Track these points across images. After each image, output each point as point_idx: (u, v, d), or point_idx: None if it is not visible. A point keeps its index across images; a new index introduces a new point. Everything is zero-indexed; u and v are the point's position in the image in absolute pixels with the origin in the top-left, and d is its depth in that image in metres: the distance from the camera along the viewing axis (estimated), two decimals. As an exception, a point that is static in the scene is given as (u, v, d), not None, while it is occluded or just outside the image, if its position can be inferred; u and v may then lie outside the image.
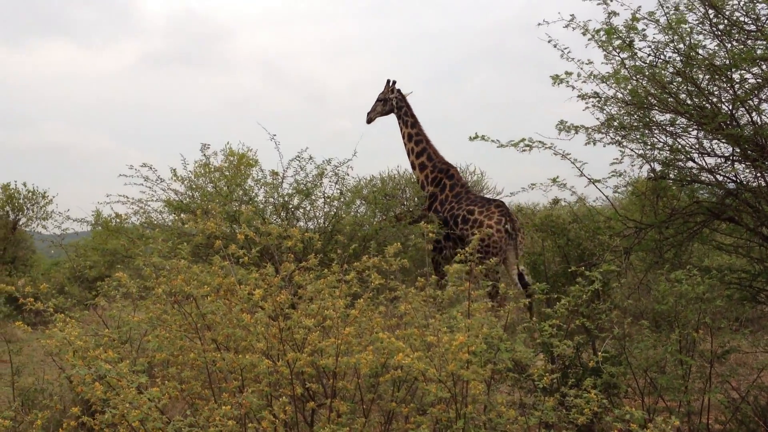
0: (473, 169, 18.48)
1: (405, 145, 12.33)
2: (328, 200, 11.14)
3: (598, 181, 7.27)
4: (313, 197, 11.02)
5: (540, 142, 7.09)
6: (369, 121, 12.54)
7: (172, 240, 8.18)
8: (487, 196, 18.52)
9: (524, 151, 7.10)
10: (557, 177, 7.23)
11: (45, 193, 19.91)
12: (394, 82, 12.48)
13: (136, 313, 6.51)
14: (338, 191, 11.38)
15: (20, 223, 20.14)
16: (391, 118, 12.68)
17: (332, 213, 11.00)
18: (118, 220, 12.82)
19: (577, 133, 7.47)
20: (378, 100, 12.46)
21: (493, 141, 7.18)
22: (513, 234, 10.08)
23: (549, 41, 7.30)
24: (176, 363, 5.33)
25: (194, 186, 12.40)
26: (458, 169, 12.61)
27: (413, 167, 12.33)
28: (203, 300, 5.24)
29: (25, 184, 19.64)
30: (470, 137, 7.23)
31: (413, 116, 12.30)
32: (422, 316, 5.12)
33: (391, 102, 12.37)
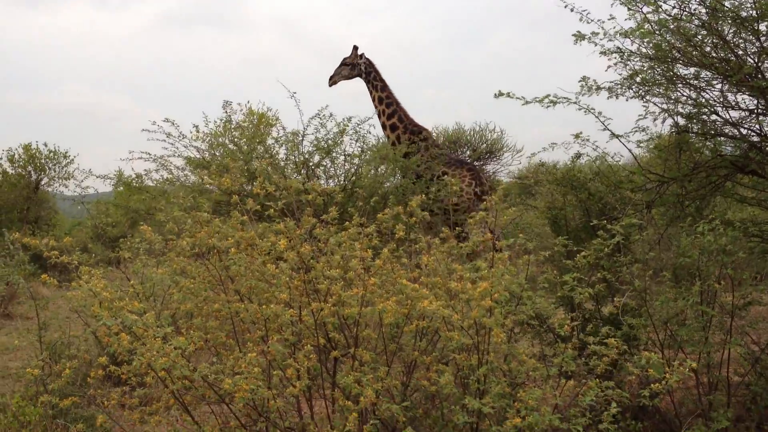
0: (493, 128, 18.38)
1: (376, 107, 12.53)
2: (349, 158, 11.17)
3: (621, 136, 7.23)
4: (333, 155, 11.04)
5: (564, 97, 7.05)
6: (332, 83, 12.72)
7: (193, 195, 8.25)
8: (507, 155, 18.48)
9: (548, 107, 7.07)
10: (580, 132, 7.20)
11: (66, 152, 20.02)
12: (356, 48, 12.68)
13: (159, 268, 6.60)
14: (359, 149, 11.40)
15: (42, 183, 20.29)
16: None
17: (352, 171, 11.04)
18: (138, 180, 12.94)
19: (599, 90, 7.41)
20: (344, 65, 12.66)
21: (518, 98, 7.16)
22: (482, 196, 10.43)
23: (566, 6, 7.21)
24: (200, 314, 5.41)
25: (215, 143, 12.48)
26: (431, 132, 13.06)
27: (384, 128, 12.49)
28: (225, 253, 5.30)
29: (46, 144, 19.75)
30: (495, 94, 7.21)
31: (382, 80, 12.57)
32: (444, 267, 5.15)
33: (359, 67, 12.60)
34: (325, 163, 11.14)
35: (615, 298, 6.36)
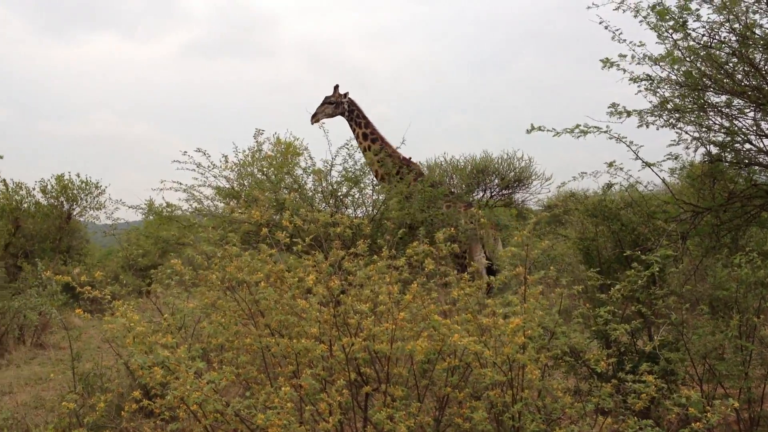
0: (521, 155, 18.24)
1: (360, 143, 12.66)
2: (377, 188, 11.16)
3: (653, 164, 7.16)
4: (361, 185, 11.05)
5: (595, 127, 7.01)
6: (315, 121, 12.83)
7: (222, 227, 8.29)
8: (535, 183, 18.33)
9: (579, 137, 7.04)
10: (614, 161, 7.15)
11: (98, 183, 20.24)
12: (337, 87, 12.96)
13: (189, 300, 6.61)
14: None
15: (74, 213, 20.50)
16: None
17: (380, 200, 11.03)
18: (169, 210, 13.04)
19: (629, 116, 7.37)
20: (328, 103, 12.88)
21: (549, 131, 7.15)
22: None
23: (600, 23, 7.20)
24: (231, 348, 5.40)
25: (244, 173, 12.55)
26: (419, 164, 13.21)
27: (371, 164, 12.51)
28: (255, 286, 5.30)
29: (78, 175, 19.98)
30: (527, 130, 7.22)
31: (365, 118, 12.82)
32: (475, 301, 5.10)
33: (343, 105, 12.86)
34: (353, 193, 11.14)
35: (652, 331, 6.26)
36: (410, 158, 12.67)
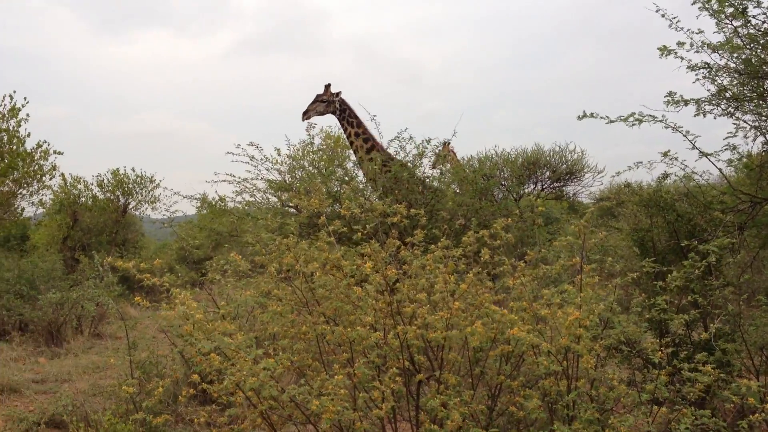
0: (573, 148, 18.06)
1: (352, 143, 12.82)
2: (429, 180, 11.18)
3: (710, 154, 7.02)
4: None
5: (650, 116, 6.90)
6: (306, 118, 13.00)
7: (278, 217, 8.41)
8: (588, 175, 18.15)
9: (633, 125, 6.93)
10: (668, 151, 7.03)
11: (152, 177, 20.65)
12: (329, 86, 13.04)
13: (245, 290, 6.71)
14: (438, 171, 11.40)
15: (130, 207, 20.95)
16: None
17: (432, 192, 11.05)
18: (222, 203, 13.25)
19: (686, 105, 7.24)
20: (320, 101, 12.97)
21: (602, 118, 7.05)
22: None
23: (657, 11, 7.09)
24: (286, 336, 5.48)
25: (296, 166, 12.70)
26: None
27: (362, 161, 12.64)
28: (311, 275, 5.37)
29: (133, 169, 20.41)
30: (579, 116, 7.12)
31: (357, 117, 12.91)
32: (530, 290, 5.09)
33: (335, 104, 12.94)
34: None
35: (708, 322, 6.17)
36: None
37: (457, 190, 11.29)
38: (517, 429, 5.10)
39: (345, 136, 13.07)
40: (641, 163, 7.35)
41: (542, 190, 17.99)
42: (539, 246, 7.20)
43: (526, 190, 17.40)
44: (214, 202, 13.56)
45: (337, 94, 13.02)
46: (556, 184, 18.12)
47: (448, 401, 4.40)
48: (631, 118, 6.92)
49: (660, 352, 4.70)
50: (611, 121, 7.02)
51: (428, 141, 11.15)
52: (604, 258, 5.31)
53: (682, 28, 7.04)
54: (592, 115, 7.05)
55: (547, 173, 17.81)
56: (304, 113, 12.91)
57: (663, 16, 7.07)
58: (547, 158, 17.70)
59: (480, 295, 5.09)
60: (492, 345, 4.88)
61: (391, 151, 11.79)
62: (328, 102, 12.96)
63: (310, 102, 12.96)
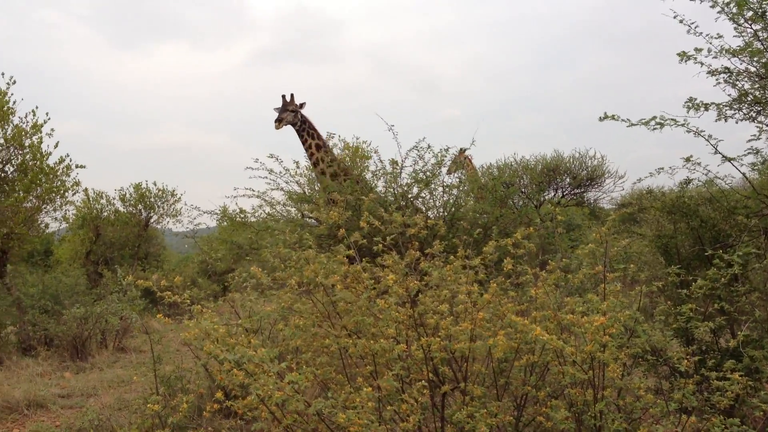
0: (593, 154, 17.95)
1: (312, 154, 12.76)
2: (447, 189, 11.16)
3: (733, 158, 6.96)
4: (432, 186, 11.05)
5: (672, 119, 6.85)
6: (280, 127, 12.91)
7: (297, 231, 8.43)
8: (608, 181, 18.05)
9: (654, 129, 6.88)
10: (690, 156, 6.97)
11: (174, 191, 20.78)
12: (286, 96, 12.98)
13: (266, 304, 6.73)
14: (457, 179, 11.38)
15: (151, 220, 21.08)
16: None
17: (451, 201, 11.02)
18: (242, 216, 13.31)
19: (707, 110, 7.18)
20: (289, 111, 12.88)
21: (622, 120, 7.00)
22: None
23: (675, 17, 7.05)
24: (309, 349, 5.48)
25: (315, 178, 12.74)
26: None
27: (323, 174, 12.63)
28: (332, 288, 5.37)
29: (155, 183, 20.55)
30: (600, 118, 7.07)
31: (315, 129, 12.91)
32: (554, 299, 5.07)
33: (297, 115, 12.89)
34: (423, 195, 11.17)
35: (735, 328, 6.10)
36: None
37: (472, 200, 11.27)
38: (544, 440, 5.07)
39: (304, 149, 12.99)
40: (662, 169, 7.30)
41: (563, 196, 17.90)
42: (561, 254, 7.17)
43: (546, 197, 17.32)
44: (234, 215, 13.62)
45: (302, 105, 13.02)
46: (576, 191, 18.02)
47: (475, 413, 4.38)
48: (653, 122, 6.86)
49: (687, 361, 4.66)
50: (632, 124, 6.97)
51: (446, 150, 11.13)
52: (627, 266, 5.27)
53: (700, 33, 6.99)
54: (613, 117, 6.99)
55: (567, 180, 17.72)
56: (278, 120, 12.85)
57: (681, 21, 7.03)
58: (567, 164, 17.60)
59: (503, 305, 5.08)
60: (516, 355, 4.86)
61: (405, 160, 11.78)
62: (295, 112, 12.95)
63: (280, 110, 12.93)
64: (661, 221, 8.18)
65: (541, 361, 4.88)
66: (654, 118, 6.87)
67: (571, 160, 17.67)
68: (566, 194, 17.99)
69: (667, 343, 5.12)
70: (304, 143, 12.95)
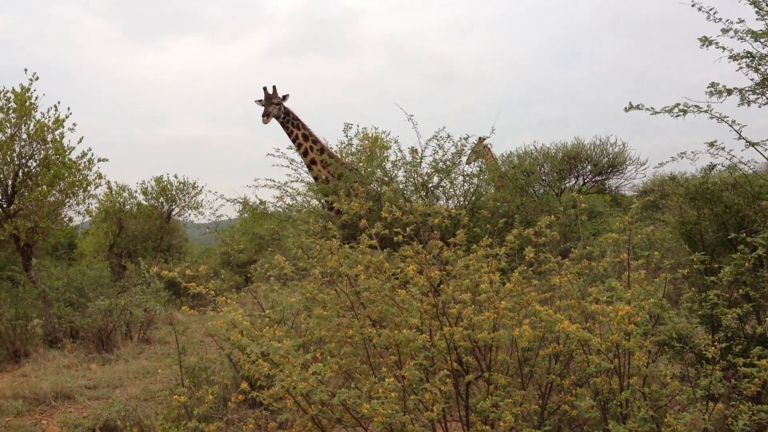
0: (614, 141, 17.83)
1: (300, 144, 12.86)
2: (468, 178, 11.13)
3: (757, 143, 6.90)
4: (452, 175, 11.03)
5: (695, 105, 6.79)
6: (267, 121, 13.00)
7: (319, 221, 8.45)
8: (630, 168, 17.92)
9: (678, 116, 6.83)
10: (714, 141, 6.92)
11: (194, 183, 20.91)
12: (268, 88, 13.04)
13: (289, 294, 6.75)
14: (477, 168, 11.35)
15: (173, 213, 21.24)
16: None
17: (471, 190, 11.00)
18: (262, 206, 13.37)
19: (729, 94, 7.11)
20: (274, 103, 12.97)
21: (647, 109, 6.95)
22: None
23: (693, 5, 7.01)
24: (332, 339, 5.50)
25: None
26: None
27: (314, 163, 12.73)
28: (355, 278, 5.38)
29: (176, 176, 20.68)
30: (625, 108, 7.02)
31: (300, 120, 13.03)
32: (577, 288, 5.05)
33: (280, 107, 12.96)
34: (444, 184, 11.15)
35: (761, 314, 6.06)
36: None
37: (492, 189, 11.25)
38: (569, 428, 5.07)
39: (290, 140, 13.10)
40: (685, 153, 7.26)
41: (584, 184, 17.80)
42: (583, 242, 7.14)
43: (567, 185, 17.23)
44: (254, 206, 13.68)
45: (284, 97, 13.09)
46: (597, 178, 17.92)
47: (500, 402, 4.38)
48: (676, 109, 6.81)
49: (713, 347, 4.63)
50: (656, 112, 6.92)
51: (466, 138, 11.10)
52: (651, 253, 5.24)
53: (720, 19, 6.93)
54: (638, 107, 6.95)
55: (589, 167, 17.62)
56: (266, 115, 12.94)
57: (699, 9, 6.98)
58: (588, 152, 17.50)
59: (526, 294, 5.06)
60: (540, 344, 4.85)
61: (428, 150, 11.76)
62: (279, 105, 13.04)
63: (264, 103, 13.00)
64: (684, 208, 8.11)
65: (565, 349, 4.87)
66: (677, 105, 6.82)
67: (592, 148, 17.57)
68: (587, 182, 17.89)
69: (693, 330, 5.08)
70: (290, 135, 13.07)
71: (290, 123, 13.01)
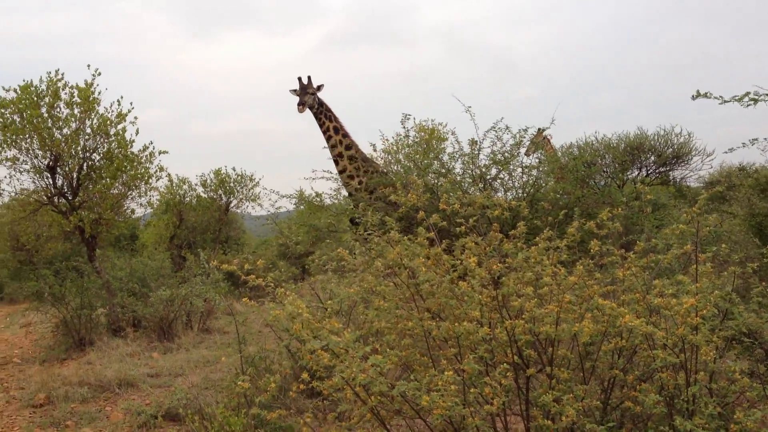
0: (679, 131, 17.34)
1: (331, 137, 12.94)
2: (526, 170, 11.00)
3: (833, 131, 6.63)
4: (511, 167, 10.91)
5: (767, 94, 6.54)
6: (303, 110, 13.00)
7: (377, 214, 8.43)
8: (695, 159, 17.44)
9: (748, 105, 6.59)
10: (789, 129, 6.67)
11: (252, 175, 21.16)
12: (303, 78, 13.06)
13: (347, 286, 6.77)
14: (537, 160, 11.21)
15: (231, 205, 21.53)
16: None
17: (530, 182, 10.86)
18: (318, 199, 13.46)
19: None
20: (309, 93, 12.99)
21: (715, 98, 6.72)
22: None
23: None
24: (393, 331, 5.49)
25: (392, 160, 12.73)
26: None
27: (341, 157, 12.79)
28: (416, 271, 5.35)
29: (234, 169, 20.97)
30: (692, 96, 6.81)
31: (332, 112, 13.11)
32: (642, 281, 4.93)
33: (314, 98, 13.00)
34: (502, 176, 11.03)
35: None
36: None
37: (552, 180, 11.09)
38: (632, 423, 4.96)
39: (321, 132, 13.17)
40: (756, 140, 7.01)
41: (647, 175, 17.40)
42: (647, 234, 6.98)
43: (629, 176, 16.86)
44: (311, 199, 13.76)
45: (319, 87, 13.10)
46: (661, 169, 17.48)
47: (562, 397, 4.31)
48: (746, 98, 6.57)
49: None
50: (725, 101, 6.69)
51: (525, 130, 10.95)
52: (719, 246, 5.08)
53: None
54: (706, 95, 6.73)
55: (652, 158, 17.20)
56: (301, 104, 12.99)
57: None
58: (652, 142, 17.07)
59: (589, 287, 4.96)
60: (603, 338, 4.75)
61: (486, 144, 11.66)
62: (314, 95, 13.07)
63: (300, 93, 13.05)
64: (754, 199, 7.87)
65: (629, 344, 4.76)
66: (747, 93, 6.58)
67: (656, 138, 17.11)
68: (651, 173, 17.48)
69: (763, 325, 4.92)
70: (321, 126, 13.19)
71: (323, 114, 13.13)
